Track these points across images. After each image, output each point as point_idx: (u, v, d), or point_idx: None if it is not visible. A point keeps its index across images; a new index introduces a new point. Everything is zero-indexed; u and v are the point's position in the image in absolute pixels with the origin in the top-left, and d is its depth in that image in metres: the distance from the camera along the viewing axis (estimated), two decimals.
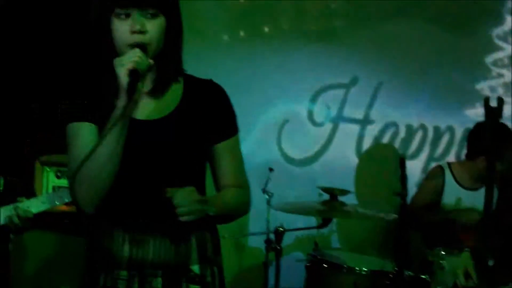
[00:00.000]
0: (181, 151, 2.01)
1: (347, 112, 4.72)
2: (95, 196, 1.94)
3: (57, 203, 2.69)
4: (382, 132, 4.75)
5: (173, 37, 2.02)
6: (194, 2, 4.34)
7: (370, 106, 4.73)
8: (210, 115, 2.07)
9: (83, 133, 1.99)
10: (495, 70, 4.64)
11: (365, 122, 4.74)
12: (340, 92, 4.70)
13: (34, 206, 2.65)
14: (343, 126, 4.70)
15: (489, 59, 4.47)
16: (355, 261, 3.54)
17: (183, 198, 1.90)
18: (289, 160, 4.57)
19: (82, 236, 3.35)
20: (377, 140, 4.75)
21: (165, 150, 2.00)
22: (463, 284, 3.38)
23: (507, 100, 4.71)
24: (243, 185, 2.14)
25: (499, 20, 4.71)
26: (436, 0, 4.66)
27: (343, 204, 3.67)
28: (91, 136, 1.98)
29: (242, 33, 4.59)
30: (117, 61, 1.92)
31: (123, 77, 1.89)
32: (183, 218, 1.90)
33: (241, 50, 4.54)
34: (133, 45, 1.93)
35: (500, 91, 4.64)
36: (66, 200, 2.66)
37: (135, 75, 1.89)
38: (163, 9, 1.98)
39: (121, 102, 1.91)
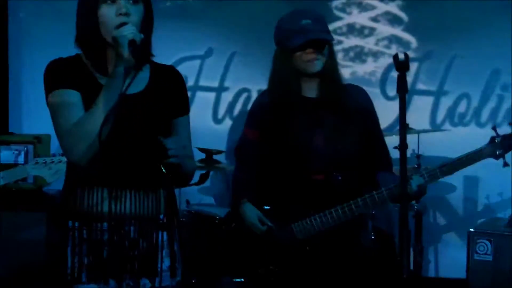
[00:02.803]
0: (151, 123, 2.32)
1: (203, 81, 5.15)
2: (91, 151, 2.19)
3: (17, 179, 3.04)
4: (236, 98, 5.17)
5: (147, 23, 2.32)
6: None
7: (224, 75, 5.16)
8: (173, 94, 2.41)
9: (70, 98, 2.26)
10: (335, 37, 5.02)
11: (220, 89, 5.18)
12: (196, 63, 5.14)
13: None
14: (200, 95, 5.13)
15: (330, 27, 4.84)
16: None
17: (173, 143, 2.26)
18: None
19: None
20: (231, 105, 5.17)
21: (140, 119, 2.31)
22: None
23: (349, 64, 5.14)
24: (192, 156, 2.49)
25: None
26: None
27: (217, 162, 4.34)
28: (75, 100, 2.25)
29: None
30: (117, 32, 2.19)
31: (124, 46, 2.17)
32: (171, 160, 2.24)
33: None
34: (119, 26, 2.21)
35: (340, 56, 5.03)
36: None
37: (134, 44, 2.18)
38: None
39: (119, 66, 2.19)
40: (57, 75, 2.31)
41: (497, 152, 3.00)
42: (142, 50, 2.23)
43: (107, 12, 2.28)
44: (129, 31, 2.21)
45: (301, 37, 2.96)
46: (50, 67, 2.34)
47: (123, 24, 2.24)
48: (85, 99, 2.28)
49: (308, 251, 3.01)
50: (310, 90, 3.08)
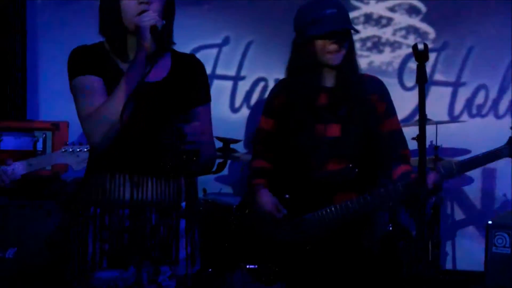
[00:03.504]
0: (172, 110, 2.35)
1: (220, 69, 5.14)
2: (111, 134, 2.24)
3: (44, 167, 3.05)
4: (253, 87, 5.17)
5: (169, 11, 2.37)
6: None
7: (241, 63, 5.16)
8: (194, 83, 2.44)
9: (92, 83, 2.30)
10: None
11: (237, 78, 5.17)
12: (213, 51, 5.14)
13: (19, 169, 3.01)
14: (216, 83, 5.12)
15: None
16: None
17: (191, 129, 2.26)
18: None
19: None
20: (248, 94, 5.17)
21: (162, 107, 2.34)
22: None
23: (366, 54, 5.12)
24: (213, 143, 2.54)
25: None
26: None
27: (235, 151, 4.30)
28: (97, 85, 2.30)
29: None
30: (139, 19, 2.24)
31: (146, 32, 2.22)
32: (189, 146, 2.25)
33: None
34: (141, 13, 2.26)
35: (357, 46, 5.00)
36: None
37: (155, 30, 2.23)
38: None
39: (141, 52, 2.23)
40: (80, 62, 2.35)
41: None
42: (163, 36, 2.25)
43: (128, 1, 2.32)
44: (150, 17, 2.24)
45: (326, 26, 2.93)
46: (73, 53, 2.38)
47: (144, 11, 2.28)
48: (107, 85, 2.32)
49: (311, 250, 3.00)
50: (328, 79, 3.06)
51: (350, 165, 3.00)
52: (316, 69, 3.02)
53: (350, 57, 3.03)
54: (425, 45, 2.31)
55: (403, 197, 3.01)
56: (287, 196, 3.07)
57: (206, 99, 2.50)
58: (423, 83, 2.29)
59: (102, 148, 2.29)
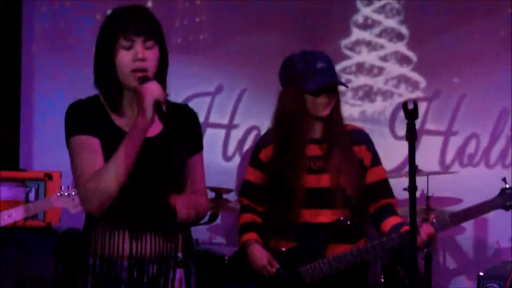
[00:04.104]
0: (170, 164, 2.38)
1: (213, 117, 5.18)
2: (105, 204, 2.27)
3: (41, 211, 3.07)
4: (246, 135, 5.20)
5: (162, 65, 2.38)
6: None
7: (234, 112, 5.20)
8: (188, 134, 2.46)
9: (88, 146, 2.32)
10: (344, 76, 5.08)
11: (229, 126, 5.21)
12: (206, 100, 5.18)
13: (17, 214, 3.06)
14: (209, 132, 5.16)
15: (338, 66, 4.87)
16: None
17: (183, 205, 2.33)
18: None
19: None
20: (240, 143, 5.20)
21: (159, 163, 2.37)
22: None
23: (358, 102, 5.18)
24: (205, 193, 2.55)
25: (347, 32, 5.18)
26: (293, 15, 5.15)
27: (227, 201, 4.31)
28: (94, 147, 2.31)
29: None
30: (143, 89, 2.25)
31: (149, 106, 2.24)
32: (181, 220, 2.33)
33: None
34: (136, 70, 2.30)
35: (349, 95, 5.07)
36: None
37: (159, 106, 2.25)
38: (158, 40, 2.35)
39: (141, 123, 2.25)
40: (77, 120, 2.37)
41: (508, 204, 3.00)
42: (163, 112, 2.27)
43: (124, 58, 2.33)
44: (154, 90, 2.26)
45: (319, 81, 2.98)
46: (70, 111, 2.40)
47: (138, 70, 2.30)
48: (104, 144, 2.33)
49: None
50: (316, 130, 3.10)
51: (342, 218, 3.02)
52: (304, 120, 3.05)
53: (337, 108, 3.08)
54: (415, 103, 2.34)
55: (396, 248, 3.03)
56: (280, 249, 3.08)
57: (199, 147, 2.53)
58: (413, 140, 2.32)
59: (96, 216, 2.32)
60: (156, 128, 2.40)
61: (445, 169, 5.00)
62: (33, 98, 5.19)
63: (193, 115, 2.53)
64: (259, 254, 3.06)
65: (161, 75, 2.37)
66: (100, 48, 2.40)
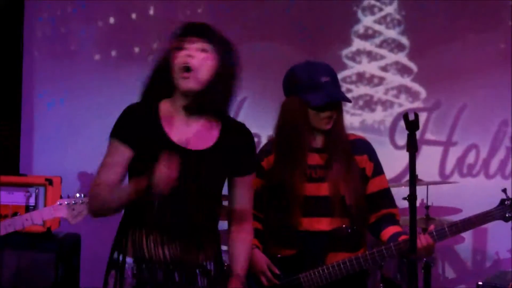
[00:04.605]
0: (212, 181, 2.44)
1: None
2: (103, 213, 2.40)
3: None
4: None
5: (220, 76, 2.40)
6: None
7: None
8: (239, 153, 2.48)
9: (117, 153, 2.40)
10: (344, 86, 5.10)
11: None
12: None
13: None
14: None
15: (338, 76, 4.86)
16: None
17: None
18: None
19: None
20: None
21: (200, 177, 2.39)
22: None
23: (358, 112, 5.19)
24: (251, 217, 2.64)
25: (348, 42, 5.20)
26: (294, 24, 5.17)
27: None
28: (121, 159, 2.39)
29: (113, 53, 5.10)
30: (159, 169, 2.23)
31: (141, 187, 2.26)
32: None
33: (112, 69, 5.04)
34: (182, 67, 2.34)
35: (349, 104, 5.07)
36: None
37: (149, 189, 2.26)
38: (215, 47, 2.39)
39: (133, 190, 2.30)
40: (123, 124, 2.42)
41: (507, 215, 3.00)
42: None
43: (177, 55, 2.37)
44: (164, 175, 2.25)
45: (322, 97, 2.97)
46: (124, 112, 2.45)
47: (184, 67, 2.34)
48: (147, 149, 2.37)
49: None
50: (317, 140, 3.10)
51: (344, 226, 3.03)
52: (306, 131, 3.06)
53: (339, 120, 3.08)
54: (416, 114, 2.34)
55: (395, 257, 3.03)
56: (278, 255, 3.08)
57: (252, 169, 2.56)
58: (413, 152, 2.32)
59: (93, 217, 2.44)
60: (208, 141, 2.43)
61: (444, 179, 5.00)
62: (34, 102, 5.19)
63: (249, 135, 2.55)
64: (259, 260, 3.06)
65: (216, 88, 2.39)
66: (163, 51, 2.45)
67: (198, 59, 2.36)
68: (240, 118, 5.06)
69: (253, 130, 5.04)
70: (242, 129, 2.54)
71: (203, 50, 2.37)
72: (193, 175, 2.38)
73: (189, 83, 2.36)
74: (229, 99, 2.48)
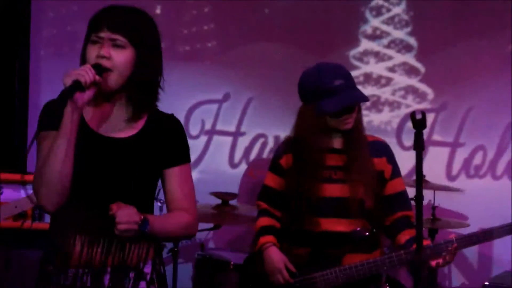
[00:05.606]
0: (134, 171, 2.27)
1: (220, 125, 5.19)
2: (53, 196, 2.17)
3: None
4: (252, 143, 5.20)
5: (141, 70, 2.25)
6: None
7: (241, 120, 5.20)
8: (165, 143, 2.33)
9: (47, 140, 2.22)
10: None
11: (236, 134, 5.21)
12: (213, 107, 5.18)
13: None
14: (216, 139, 5.16)
15: None
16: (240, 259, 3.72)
17: (124, 217, 2.15)
18: None
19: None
20: (247, 150, 5.20)
21: (121, 166, 2.26)
22: None
23: (365, 113, 5.17)
24: (189, 210, 2.35)
25: (355, 43, 5.19)
26: (299, 27, 5.16)
27: (234, 208, 4.31)
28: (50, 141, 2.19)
29: None
30: (65, 73, 2.17)
31: (66, 86, 2.13)
32: (120, 233, 2.15)
33: None
34: (95, 65, 2.18)
35: None
36: None
37: (76, 85, 2.12)
38: (133, 42, 2.23)
39: (67, 109, 2.16)
40: (45, 117, 2.32)
41: None
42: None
43: (90, 51, 2.28)
44: (75, 72, 2.17)
45: (337, 103, 2.93)
46: (43, 109, 2.37)
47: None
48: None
49: None
50: (336, 141, 3.09)
51: (360, 228, 3.02)
52: (323, 135, 3.04)
53: (359, 120, 3.07)
54: (423, 113, 2.34)
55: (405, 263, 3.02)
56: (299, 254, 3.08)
57: (182, 160, 2.39)
58: (420, 150, 2.31)
59: (49, 210, 2.23)
60: (130, 130, 2.32)
61: (451, 180, 4.98)
62: (41, 101, 5.20)
63: (177, 125, 2.41)
64: (277, 257, 3.06)
65: (138, 83, 2.27)
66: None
67: (114, 58, 2.24)
68: (246, 119, 5.17)
69: (259, 130, 5.16)
70: (170, 119, 2.39)
71: (120, 46, 2.24)
72: (115, 164, 2.26)
73: (104, 84, 2.24)
74: (153, 90, 2.33)
